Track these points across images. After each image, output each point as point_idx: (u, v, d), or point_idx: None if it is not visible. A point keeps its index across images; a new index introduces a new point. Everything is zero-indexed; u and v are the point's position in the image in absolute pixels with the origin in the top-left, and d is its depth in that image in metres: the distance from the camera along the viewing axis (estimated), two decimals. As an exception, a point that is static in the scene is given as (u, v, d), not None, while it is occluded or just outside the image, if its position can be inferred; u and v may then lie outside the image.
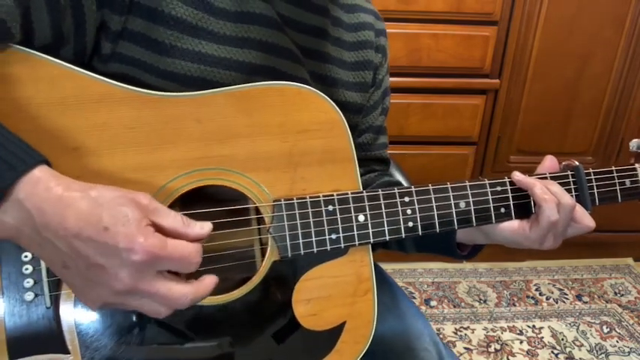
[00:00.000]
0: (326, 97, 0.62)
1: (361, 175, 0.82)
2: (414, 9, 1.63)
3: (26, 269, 0.53)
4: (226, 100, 0.58)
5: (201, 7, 0.60)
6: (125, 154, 0.55)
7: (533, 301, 1.87)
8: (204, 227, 0.50)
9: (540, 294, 1.91)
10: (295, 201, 0.60)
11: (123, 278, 0.45)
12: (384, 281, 0.85)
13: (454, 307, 1.82)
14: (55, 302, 0.54)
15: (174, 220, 0.48)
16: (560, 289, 1.94)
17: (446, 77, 1.74)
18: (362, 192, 0.62)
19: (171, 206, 0.58)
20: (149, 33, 0.59)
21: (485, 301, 1.85)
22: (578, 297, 1.91)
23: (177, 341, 0.58)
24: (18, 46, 0.52)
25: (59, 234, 0.44)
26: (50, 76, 0.53)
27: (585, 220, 0.66)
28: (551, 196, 0.64)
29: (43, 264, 0.53)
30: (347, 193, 0.62)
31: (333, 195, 0.61)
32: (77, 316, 0.55)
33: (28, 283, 0.54)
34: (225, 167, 0.58)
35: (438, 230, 0.65)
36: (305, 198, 0.60)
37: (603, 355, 1.63)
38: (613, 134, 1.90)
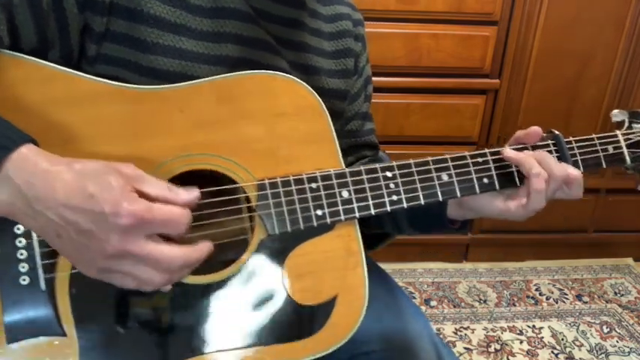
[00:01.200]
0: (303, 83, 0.64)
1: (352, 163, 0.84)
2: (414, 9, 1.63)
3: (21, 254, 0.55)
4: (207, 90, 0.61)
5: (179, 5, 0.63)
6: (112, 145, 0.58)
7: (533, 301, 1.87)
8: (191, 193, 0.52)
9: (540, 294, 1.91)
10: (279, 179, 0.62)
11: (112, 241, 0.47)
12: (383, 280, 0.85)
13: (454, 307, 1.82)
14: (51, 285, 0.56)
15: (158, 186, 0.51)
16: (560, 289, 1.94)
17: (446, 77, 1.74)
18: (344, 169, 0.64)
19: None
20: (131, 32, 0.61)
21: (485, 301, 1.85)
22: (578, 297, 1.91)
23: (169, 321, 0.59)
24: (7, 51, 0.55)
25: (49, 205, 0.47)
26: (40, 77, 0.56)
27: (574, 190, 0.67)
28: (542, 177, 0.64)
29: (37, 248, 0.55)
30: (329, 171, 0.63)
31: (315, 173, 0.63)
32: (72, 299, 0.56)
33: (23, 267, 0.55)
34: (210, 152, 0.61)
35: (422, 202, 0.65)
36: (288, 177, 0.62)
37: (603, 355, 1.63)
38: (613, 134, 1.90)
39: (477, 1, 1.64)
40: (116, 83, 0.58)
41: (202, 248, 0.52)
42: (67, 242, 0.48)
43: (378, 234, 0.86)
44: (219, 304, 0.60)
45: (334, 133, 0.65)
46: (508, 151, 0.67)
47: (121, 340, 0.57)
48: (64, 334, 0.56)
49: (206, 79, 0.61)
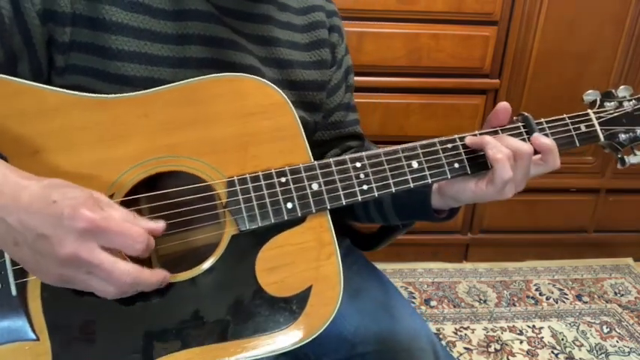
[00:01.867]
0: (269, 82, 0.64)
1: (339, 154, 0.84)
2: (414, 9, 1.63)
3: None
4: (171, 95, 0.62)
5: (141, 10, 0.63)
6: (80, 152, 0.59)
7: (533, 301, 1.87)
8: (158, 223, 0.53)
9: (540, 294, 1.91)
10: (248, 176, 0.62)
11: (65, 245, 0.47)
12: (378, 281, 0.85)
13: (454, 307, 1.82)
14: (22, 290, 0.56)
15: (125, 213, 0.51)
16: (560, 289, 1.94)
17: (446, 77, 1.74)
18: (313, 162, 0.64)
19: (130, 195, 0.61)
20: (96, 41, 0.62)
21: (485, 301, 1.85)
22: (578, 297, 1.91)
23: (142, 320, 0.59)
24: None
25: (10, 210, 0.47)
26: (9, 92, 0.57)
27: (550, 161, 0.67)
28: (503, 154, 0.64)
29: (7, 254, 0.55)
30: (299, 165, 0.64)
31: (285, 168, 0.63)
32: (44, 303, 0.56)
33: None
34: (177, 154, 0.61)
35: (393, 190, 0.66)
36: (257, 173, 0.63)
37: (603, 355, 1.63)
38: (613, 134, 1.90)
39: (477, 1, 1.64)
40: (81, 94, 0.59)
41: (157, 274, 0.53)
42: (25, 250, 0.49)
43: (375, 234, 0.86)
44: (193, 302, 0.60)
45: (301, 128, 0.65)
46: (469, 137, 0.68)
47: (94, 342, 0.57)
48: (37, 339, 0.56)
49: (171, 84, 0.62)
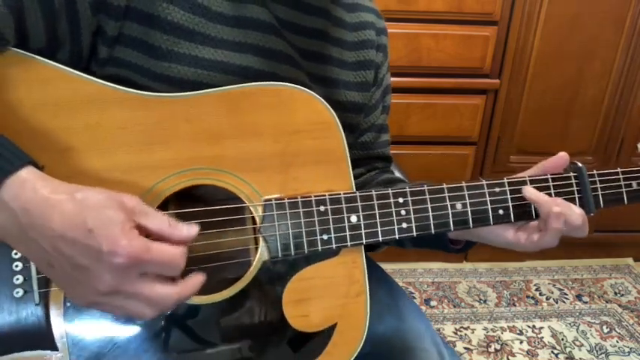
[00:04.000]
0: (320, 98, 0.61)
1: (362, 174, 0.82)
2: (414, 9, 1.63)
3: (16, 266, 0.54)
4: (218, 100, 0.58)
5: (199, 12, 0.61)
6: (116, 154, 0.56)
7: (533, 301, 1.87)
8: (191, 230, 0.50)
9: (540, 294, 1.91)
10: (286, 201, 0.60)
11: (106, 280, 0.45)
12: (383, 280, 0.85)
13: (454, 307, 1.82)
14: (45, 299, 0.54)
15: (160, 221, 0.49)
16: (560, 289, 1.94)
17: (446, 77, 1.74)
18: (355, 192, 0.62)
19: (163, 206, 0.58)
20: (146, 38, 0.59)
21: (485, 301, 1.85)
22: (578, 297, 1.91)
23: (164, 340, 0.58)
24: (12, 49, 0.53)
25: (44, 234, 0.45)
26: (43, 77, 0.54)
27: (580, 231, 0.66)
28: (562, 211, 0.62)
29: (32, 262, 0.54)
30: (339, 194, 0.61)
31: (325, 195, 0.61)
32: (66, 314, 0.55)
33: (18, 280, 0.54)
34: (216, 167, 0.58)
35: (433, 232, 0.63)
36: (296, 198, 0.60)
37: (603, 355, 1.63)
38: (613, 134, 1.90)
39: (477, 1, 1.64)
40: (123, 88, 0.56)
41: (194, 283, 0.51)
42: (60, 273, 0.47)
43: None
44: (215, 326, 0.59)
45: (348, 153, 0.63)
46: (528, 190, 0.64)
47: (114, 358, 0.56)
48: (56, 349, 0.55)
49: (218, 88, 0.59)
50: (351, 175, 0.63)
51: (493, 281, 1.97)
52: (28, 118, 0.53)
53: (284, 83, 0.61)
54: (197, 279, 0.51)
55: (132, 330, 0.57)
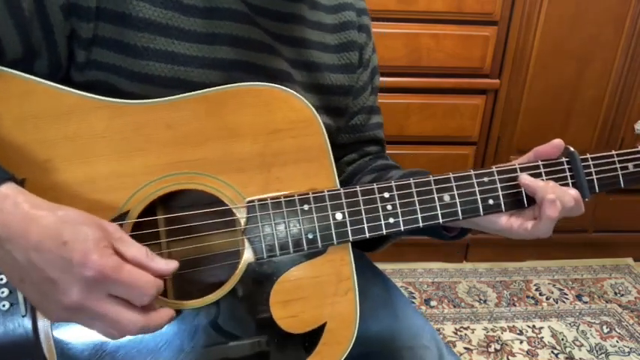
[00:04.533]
0: (299, 95, 0.61)
1: (355, 160, 0.81)
2: (414, 9, 1.63)
3: (1, 279, 0.54)
4: (197, 104, 0.59)
5: (170, 6, 0.60)
6: (97, 162, 0.56)
7: (533, 301, 1.87)
8: (170, 265, 0.50)
9: (540, 294, 1.91)
10: (269, 201, 0.59)
11: (71, 294, 0.45)
12: (379, 280, 0.84)
13: (454, 307, 1.82)
14: (32, 311, 0.54)
15: (137, 250, 0.49)
16: (560, 289, 1.94)
17: (446, 77, 1.74)
18: (339, 189, 0.61)
19: (146, 213, 0.58)
20: (120, 37, 0.59)
21: (485, 301, 1.85)
22: (578, 297, 1.91)
23: (152, 347, 0.57)
24: None
25: (20, 245, 0.45)
26: (21, 91, 0.54)
27: (576, 210, 0.64)
28: (557, 198, 0.61)
29: None
30: (323, 191, 0.61)
31: (308, 194, 0.60)
32: (54, 324, 0.55)
33: (3, 292, 0.54)
34: (198, 171, 0.58)
35: (421, 225, 0.62)
36: (280, 198, 0.60)
37: (603, 355, 1.63)
38: (613, 134, 1.90)
39: (477, 1, 1.64)
40: (101, 97, 0.56)
41: (163, 316, 0.50)
42: (30, 287, 0.47)
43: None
44: (202, 330, 0.59)
45: (330, 150, 0.62)
46: (525, 178, 0.63)
47: None
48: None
49: (196, 92, 0.59)
50: (335, 171, 0.62)
51: (493, 281, 1.97)
52: (9, 132, 0.54)
53: (264, 83, 0.60)
54: (166, 313, 0.51)
55: (120, 339, 0.56)
